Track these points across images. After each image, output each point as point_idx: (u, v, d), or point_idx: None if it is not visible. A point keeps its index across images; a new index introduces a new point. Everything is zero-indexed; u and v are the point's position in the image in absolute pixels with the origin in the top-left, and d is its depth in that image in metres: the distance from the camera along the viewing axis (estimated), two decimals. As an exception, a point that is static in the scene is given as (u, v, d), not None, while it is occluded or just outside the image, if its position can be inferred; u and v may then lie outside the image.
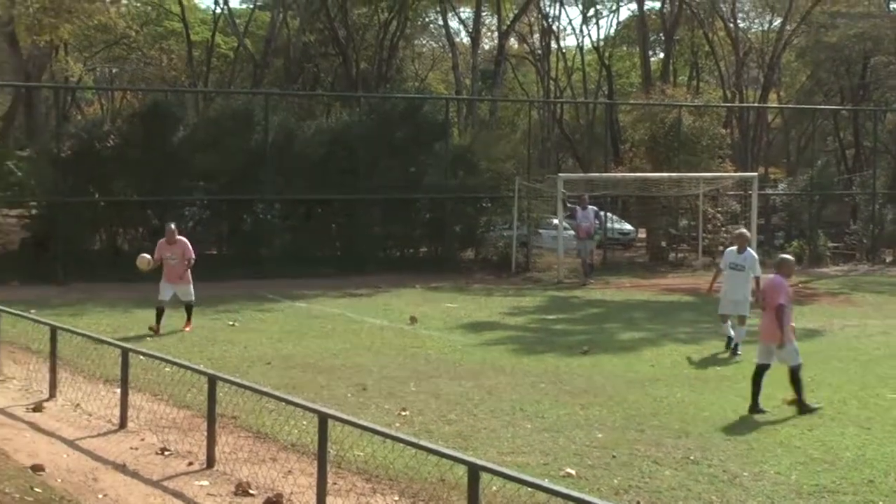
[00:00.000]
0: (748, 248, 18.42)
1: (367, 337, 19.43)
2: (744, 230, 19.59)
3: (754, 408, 13.52)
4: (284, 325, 20.75)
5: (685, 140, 35.83)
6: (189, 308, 20.11)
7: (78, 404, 13.26)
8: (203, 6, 71.36)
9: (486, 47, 64.20)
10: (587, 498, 6.83)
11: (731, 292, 18.14)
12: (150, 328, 19.28)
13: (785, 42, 51.47)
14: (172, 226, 20.61)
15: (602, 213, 34.66)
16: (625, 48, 66.38)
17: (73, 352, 15.60)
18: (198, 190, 31.30)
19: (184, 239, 20.46)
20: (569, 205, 32.00)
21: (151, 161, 29.67)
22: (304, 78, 55.47)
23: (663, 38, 57.43)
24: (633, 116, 42.24)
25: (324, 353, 17.44)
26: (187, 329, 19.66)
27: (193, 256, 20.33)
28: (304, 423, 11.30)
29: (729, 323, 18.22)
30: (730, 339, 18.10)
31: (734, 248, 18.39)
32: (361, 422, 9.75)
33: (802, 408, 13.52)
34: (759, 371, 13.84)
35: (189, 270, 20.21)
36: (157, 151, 29.65)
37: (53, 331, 14.06)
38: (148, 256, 20.16)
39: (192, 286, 20.18)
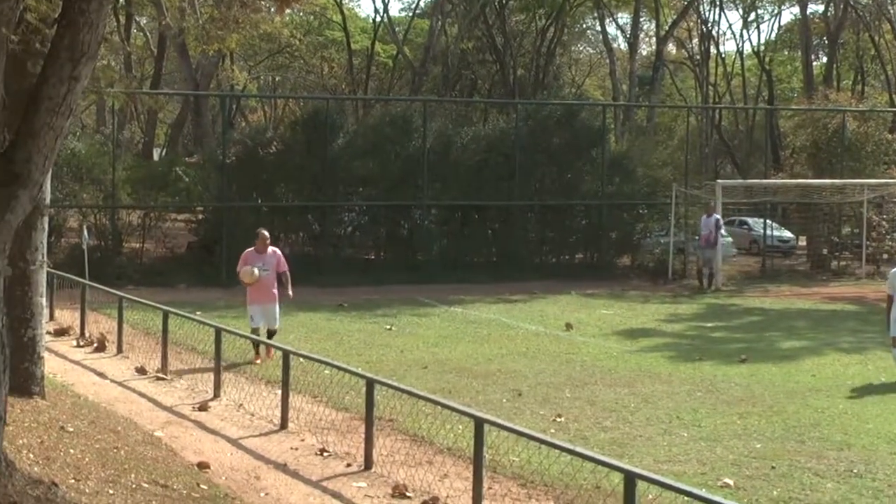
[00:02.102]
0: None
1: (522, 343, 19.43)
2: None
3: None
4: (440, 330, 20.88)
5: (849, 146, 34.93)
6: (272, 335, 16.98)
7: (241, 404, 13.59)
8: (363, 15, 72.29)
9: (644, 53, 63.71)
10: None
11: None
12: (255, 361, 16.30)
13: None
14: (265, 231, 17.48)
15: (728, 221, 33.76)
16: (786, 52, 65.08)
17: (236, 353, 16.01)
18: (357, 196, 31.78)
19: (276, 249, 17.62)
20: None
21: (312, 167, 30.23)
22: (461, 85, 55.87)
23: (827, 41, 56.17)
24: (794, 122, 41.32)
25: (479, 359, 17.50)
26: (268, 359, 16.24)
27: (287, 270, 17.29)
28: (461, 427, 11.37)
29: None
30: None
31: None
32: (517, 427, 9.77)
33: None
34: None
35: (277, 289, 17.19)
36: (318, 158, 30.16)
37: (218, 332, 14.43)
38: (253, 269, 16.78)
39: (279, 308, 17.29)
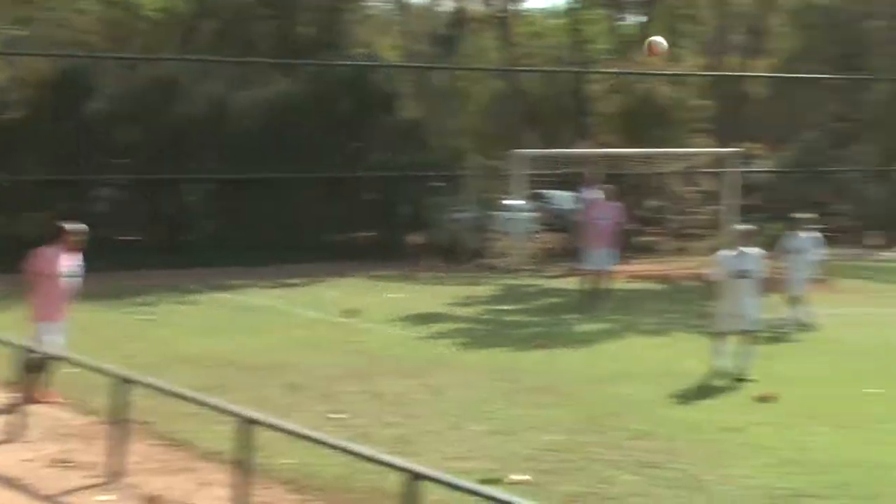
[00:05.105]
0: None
1: (300, 331, 19.41)
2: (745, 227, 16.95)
3: None
4: (210, 319, 20.70)
5: (659, 113, 35.73)
6: None
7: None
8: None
9: (443, 9, 63.92)
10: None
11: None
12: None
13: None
14: (74, 225, 14.77)
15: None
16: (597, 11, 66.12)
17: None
18: (115, 168, 31.02)
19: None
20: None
21: (63, 135, 29.36)
22: (239, 43, 55.05)
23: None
24: (604, 87, 42.10)
25: (252, 350, 17.39)
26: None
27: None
28: (227, 428, 11.23)
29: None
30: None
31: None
32: (287, 425, 9.71)
33: None
34: None
35: None
36: (70, 124, 29.34)
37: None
38: None
39: None
